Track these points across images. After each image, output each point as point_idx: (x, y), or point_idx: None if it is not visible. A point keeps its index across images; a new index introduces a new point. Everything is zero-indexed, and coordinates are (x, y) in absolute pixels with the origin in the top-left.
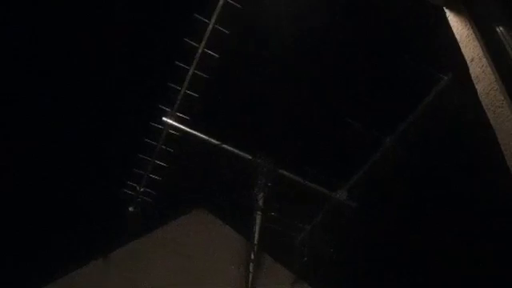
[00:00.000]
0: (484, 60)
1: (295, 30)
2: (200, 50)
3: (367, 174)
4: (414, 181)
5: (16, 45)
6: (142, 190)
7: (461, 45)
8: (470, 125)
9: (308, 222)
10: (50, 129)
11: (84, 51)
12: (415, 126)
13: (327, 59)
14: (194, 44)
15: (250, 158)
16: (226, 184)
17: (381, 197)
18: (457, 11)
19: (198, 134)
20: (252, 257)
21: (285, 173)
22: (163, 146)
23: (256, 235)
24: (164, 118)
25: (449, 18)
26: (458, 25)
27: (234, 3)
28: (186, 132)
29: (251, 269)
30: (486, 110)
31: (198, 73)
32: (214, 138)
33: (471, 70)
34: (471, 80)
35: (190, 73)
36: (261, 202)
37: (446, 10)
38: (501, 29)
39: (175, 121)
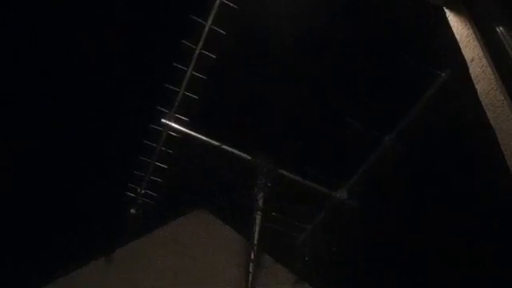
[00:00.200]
0: (484, 60)
1: (294, 29)
2: (197, 51)
3: (367, 173)
4: (414, 180)
5: (16, 45)
6: (142, 191)
7: (461, 45)
8: (470, 125)
9: (309, 222)
10: (50, 129)
11: (84, 51)
12: (415, 125)
13: (327, 59)
14: (191, 45)
15: (249, 158)
16: (226, 184)
17: (381, 196)
18: (457, 11)
19: (198, 135)
20: (252, 257)
21: (285, 173)
22: (163, 148)
23: (256, 235)
24: (163, 120)
25: (449, 18)
26: (457, 25)
27: (231, 4)
28: (186, 133)
29: (251, 269)
30: (486, 110)
31: (196, 74)
32: (213, 139)
33: (471, 70)
34: (471, 80)
35: (188, 74)
36: (261, 202)
37: (446, 10)
38: (501, 29)
39: (174, 122)
